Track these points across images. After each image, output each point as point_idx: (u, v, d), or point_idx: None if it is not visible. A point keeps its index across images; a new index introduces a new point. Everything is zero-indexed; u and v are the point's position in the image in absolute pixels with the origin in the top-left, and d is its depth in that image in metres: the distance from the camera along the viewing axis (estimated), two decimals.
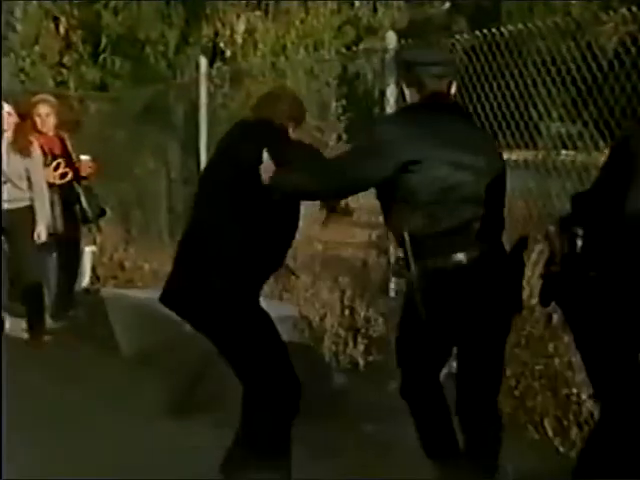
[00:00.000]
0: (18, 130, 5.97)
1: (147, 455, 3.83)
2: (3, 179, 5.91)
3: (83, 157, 6.44)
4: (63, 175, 6.36)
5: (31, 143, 6.03)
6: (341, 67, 8.53)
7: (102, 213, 6.74)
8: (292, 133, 3.43)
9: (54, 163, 6.32)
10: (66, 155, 6.45)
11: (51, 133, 6.44)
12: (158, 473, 3.55)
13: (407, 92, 3.32)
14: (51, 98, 6.70)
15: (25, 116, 6.09)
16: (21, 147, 5.94)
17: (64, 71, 11.82)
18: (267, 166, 3.17)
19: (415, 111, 3.29)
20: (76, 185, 6.43)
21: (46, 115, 6.37)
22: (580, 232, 2.79)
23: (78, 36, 11.93)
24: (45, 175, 6.20)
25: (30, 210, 5.99)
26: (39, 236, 6.01)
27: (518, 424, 4.03)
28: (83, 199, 6.41)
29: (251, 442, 3.22)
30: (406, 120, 3.26)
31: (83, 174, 6.43)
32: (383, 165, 3.08)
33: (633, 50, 4.22)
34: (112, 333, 5.69)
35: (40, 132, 6.36)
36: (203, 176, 3.63)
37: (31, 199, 6.00)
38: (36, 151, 6.07)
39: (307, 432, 3.46)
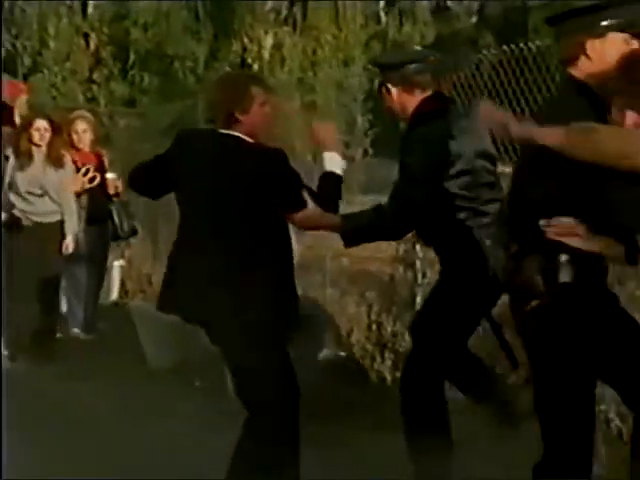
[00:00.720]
0: (52, 144, 6.06)
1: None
2: (41, 192, 6.01)
3: (109, 175, 6.45)
4: (92, 179, 6.38)
5: (64, 155, 6.12)
6: (368, 82, 8.55)
7: (134, 232, 6.75)
8: (242, 117, 3.12)
9: (83, 169, 6.37)
10: (100, 171, 6.49)
11: (87, 149, 6.50)
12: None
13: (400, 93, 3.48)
14: (88, 114, 6.79)
15: (58, 130, 6.17)
16: (54, 160, 6.04)
17: (94, 87, 11.97)
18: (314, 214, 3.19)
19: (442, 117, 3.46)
20: (109, 202, 6.47)
21: (83, 131, 6.44)
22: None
23: (108, 52, 12.09)
24: (74, 183, 6.26)
25: (62, 225, 6.06)
26: (67, 248, 6.07)
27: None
28: (115, 216, 6.44)
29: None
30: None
31: (110, 192, 6.46)
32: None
33: None
34: (139, 346, 5.72)
35: (77, 148, 6.44)
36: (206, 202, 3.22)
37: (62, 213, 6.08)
38: (68, 163, 6.15)
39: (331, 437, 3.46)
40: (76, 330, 6.51)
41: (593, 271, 2.61)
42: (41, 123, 6.04)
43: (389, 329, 5.39)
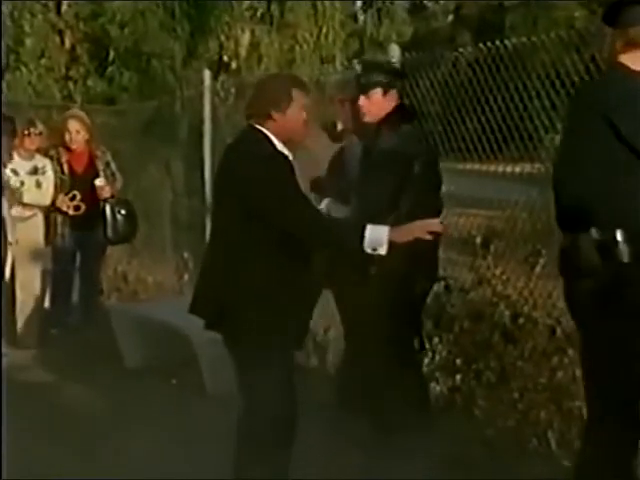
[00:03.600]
0: None
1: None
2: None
3: (98, 182, 6.29)
4: (77, 208, 6.26)
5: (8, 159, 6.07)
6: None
7: (126, 238, 6.59)
8: (276, 116, 3.18)
9: (70, 194, 6.26)
10: (91, 173, 6.35)
11: (80, 149, 6.38)
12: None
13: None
14: (82, 113, 6.68)
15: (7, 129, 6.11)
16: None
17: (70, 84, 11.88)
18: None
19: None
20: (103, 204, 6.28)
21: (76, 131, 6.31)
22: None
23: (84, 50, 12.01)
24: (59, 201, 6.20)
25: None
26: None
27: (522, 437, 4.01)
28: (108, 219, 6.27)
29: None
30: None
31: (100, 198, 6.30)
32: None
33: None
34: (116, 344, 5.69)
35: (69, 148, 6.34)
36: None
37: None
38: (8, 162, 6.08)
39: None
40: (53, 331, 6.44)
41: None
42: None
43: None
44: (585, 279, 2.70)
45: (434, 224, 3.12)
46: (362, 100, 3.83)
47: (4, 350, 5.69)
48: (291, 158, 3.20)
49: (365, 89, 3.82)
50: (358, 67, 4.13)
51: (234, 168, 3.20)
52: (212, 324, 3.25)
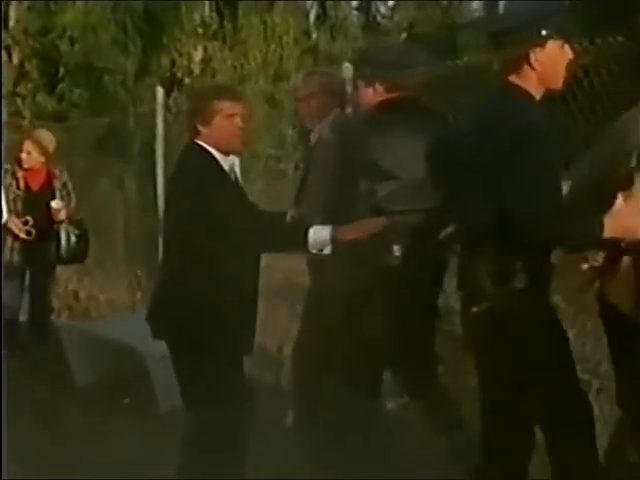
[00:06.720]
0: None
1: None
2: None
3: (53, 204, 6.22)
4: (28, 233, 6.19)
5: None
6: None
7: (80, 258, 6.51)
8: (203, 129, 3.27)
9: (23, 219, 6.20)
10: (47, 192, 6.29)
11: (37, 167, 6.32)
12: None
13: None
14: (40, 136, 6.54)
15: None
16: None
17: (18, 100, 11.75)
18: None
19: None
20: (57, 226, 6.19)
21: (27, 153, 6.27)
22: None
23: (33, 65, 11.88)
24: (11, 223, 6.14)
25: None
26: None
27: None
28: (62, 242, 6.17)
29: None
30: None
31: (55, 220, 6.20)
32: None
33: (585, 82, 4.30)
34: (67, 363, 5.61)
35: (25, 169, 6.28)
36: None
37: None
38: None
39: None
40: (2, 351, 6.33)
41: (541, 278, 2.68)
42: None
43: None
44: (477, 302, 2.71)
45: (377, 222, 3.11)
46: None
47: None
48: (227, 168, 3.28)
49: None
50: None
51: (175, 182, 3.34)
52: (160, 332, 3.27)
